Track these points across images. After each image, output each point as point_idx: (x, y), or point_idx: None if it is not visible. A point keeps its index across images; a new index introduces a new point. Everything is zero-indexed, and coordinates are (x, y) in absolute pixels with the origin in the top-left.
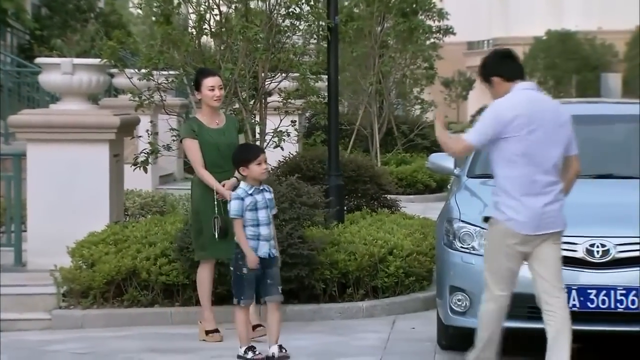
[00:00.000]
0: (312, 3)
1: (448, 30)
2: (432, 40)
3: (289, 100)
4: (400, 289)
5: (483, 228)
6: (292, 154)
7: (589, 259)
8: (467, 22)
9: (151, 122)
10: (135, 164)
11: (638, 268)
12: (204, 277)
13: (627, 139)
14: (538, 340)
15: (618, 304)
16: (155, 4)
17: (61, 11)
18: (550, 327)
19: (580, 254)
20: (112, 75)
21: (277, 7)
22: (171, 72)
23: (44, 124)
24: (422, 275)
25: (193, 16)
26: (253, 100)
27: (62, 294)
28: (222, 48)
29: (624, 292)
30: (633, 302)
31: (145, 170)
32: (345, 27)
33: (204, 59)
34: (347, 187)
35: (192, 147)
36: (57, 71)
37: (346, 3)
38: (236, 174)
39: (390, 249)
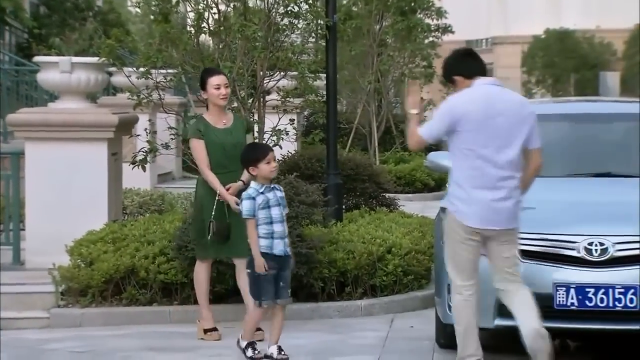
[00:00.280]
0: (310, 2)
1: (447, 29)
2: (430, 38)
3: (288, 99)
4: (399, 287)
5: None
6: (290, 153)
7: (587, 257)
8: (465, 20)
9: (150, 120)
10: (133, 163)
11: (636, 266)
12: (202, 275)
13: (625, 138)
14: None
15: (616, 303)
16: (153, 3)
17: (60, 10)
18: (516, 302)
19: (578, 252)
20: (110, 74)
21: (275, 6)
22: (169, 71)
23: (43, 122)
24: (420, 274)
25: (191, 15)
26: (251, 99)
27: (60, 293)
28: (220, 47)
29: (622, 290)
30: (631, 300)
31: (144, 169)
32: (344, 26)
33: (202, 57)
34: (346, 185)
35: (198, 148)
36: (56, 70)
37: (344, 1)
38: (244, 175)
39: (389, 248)
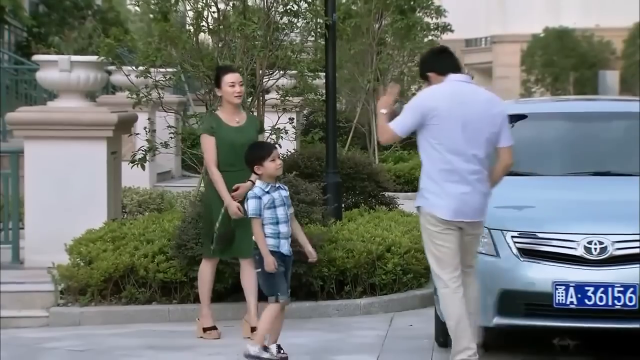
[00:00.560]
0: (309, 0)
1: (446, 28)
2: (430, 37)
3: (287, 98)
4: (398, 286)
5: None
6: (290, 152)
7: (587, 256)
8: (464, 19)
9: (149, 119)
10: (132, 162)
11: (636, 265)
12: (206, 273)
13: (625, 137)
14: (536, 338)
15: (616, 301)
16: (152, 1)
17: (59, 8)
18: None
19: (578, 251)
20: (109, 73)
21: (274, 5)
22: (169, 70)
23: (42, 121)
24: (419, 273)
25: (190, 13)
26: (251, 98)
27: (59, 292)
28: (220, 45)
29: (621, 289)
30: (631, 299)
31: (143, 168)
32: (343, 25)
33: (201, 56)
34: (345, 184)
35: (208, 144)
36: (55, 68)
37: (344, 0)
38: (253, 175)
39: (388, 246)
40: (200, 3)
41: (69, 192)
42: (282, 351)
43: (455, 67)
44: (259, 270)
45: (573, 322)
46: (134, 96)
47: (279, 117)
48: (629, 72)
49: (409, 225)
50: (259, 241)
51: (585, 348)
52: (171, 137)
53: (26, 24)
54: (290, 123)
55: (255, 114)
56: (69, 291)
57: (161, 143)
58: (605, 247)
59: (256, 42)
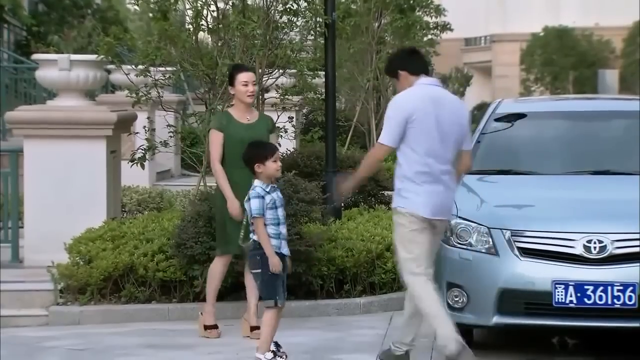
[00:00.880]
0: None
1: (445, 27)
2: (429, 36)
3: (287, 97)
4: (398, 285)
5: (480, 224)
6: (289, 151)
7: (586, 255)
8: (464, 18)
9: (148, 118)
10: (132, 160)
11: (635, 264)
12: (217, 271)
13: (624, 135)
14: (535, 337)
15: (615, 300)
16: (152, 0)
17: (58, 7)
18: (411, 305)
19: (577, 250)
20: (109, 72)
21: (274, 4)
22: (168, 69)
23: (41, 120)
24: None
25: (190, 12)
26: None
27: (59, 291)
28: (219, 44)
29: (621, 288)
30: (630, 298)
31: (143, 167)
32: (343, 24)
33: (201, 55)
34: None
35: (215, 140)
36: (54, 67)
37: None
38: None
39: (388, 245)
40: (200, 2)
41: (68, 191)
42: (280, 349)
43: (426, 69)
44: (260, 271)
45: (572, 321)
46: (134, 95)
47: (278, 116)
48: (628, 71)
49: None
50: (263, 241)
51: (585, 347)
52: (170, 136)
53: (26, 23)
54: (289, 122)
55: None
56: (68, 290)
57: (161, 142)
58: (605, 246)
59: (256, 41)
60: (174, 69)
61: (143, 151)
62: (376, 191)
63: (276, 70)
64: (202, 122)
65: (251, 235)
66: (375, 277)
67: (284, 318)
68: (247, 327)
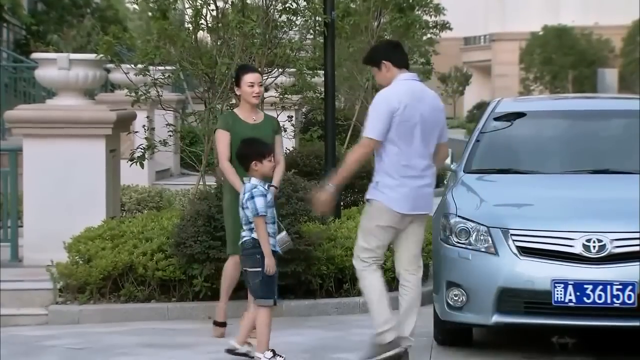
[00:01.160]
0: None
1: (445, 26)
2: (428, 35)
3: (286, 96)
4: (397, 284)
5: (480, 223)
6: (288, 150)
7: (585, 254)
8: (463, 17)
9: (148, 117)
10: (131, 160)
11: (635, 263)
12: (229, 270)
13: (623, 135)
14: (535, 336)
15: (614, 299)
16: None
17: (57, 6)
18: (404, 301)
19: (576, 249)
20: (108, 71)
21: (273, 2)
22: (167, 68)
23: (41, 119)
24: None
25: (189, 11)
26: None
27: (58, 290)
28: (218, 43)
29: (620, 287)
30: (629, 297)
31: (142, 166)
32: (342, 23)
33: (200, 54)
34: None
35: (222, 139)
36: (54, 66)
37: None
38: (276, 179)
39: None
40: (199, 1)
41: (67, 190)
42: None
43: (407, 64)
44: (260, 269)
45: (572, 320)
46: (133, 94)
47: (277, 115)
48: (627, 70)
49: None
50: (264, 241)
51: (584, 346)
52: (170, 135)
53: (25, 22)
54: (289, 121)
55: None
56: (67, 289)
57: (160, 141)
58: (604, 245)
59: (255, 40)
60: (173, 68)
61: (142, 150)
62: None
63: (275, 69)
64: (202, 121)
65: (243, 233)
66: None
67: (283, 317)
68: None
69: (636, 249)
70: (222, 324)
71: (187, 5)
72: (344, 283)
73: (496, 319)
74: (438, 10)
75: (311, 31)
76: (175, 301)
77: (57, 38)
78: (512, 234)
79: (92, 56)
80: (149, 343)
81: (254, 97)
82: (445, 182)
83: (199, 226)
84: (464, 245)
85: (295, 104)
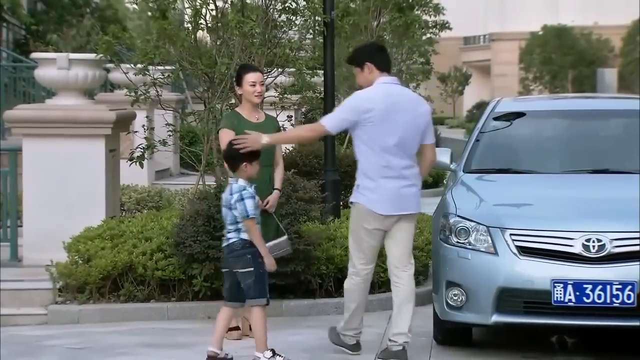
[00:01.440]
0: None
1: (444, 26)
2: (428, 35)
3: (285, 95)
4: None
5: (479, 223)
6: (288, 149)
7: (585, 254)
8: (463, 17)
9: (147, 117)
10: (131, 159)
11: (634, 263)
12: None
13: (623, 134)
14: (534, 336)
15: (614, 299)
16: None
17: (57, 6)
18: (397, 297)
19: (576, 249)
20: (108, 70)
21: (273, 2)
22: (167, 67)
23: (40, 119)
24: (418, 271)
25: (189, 11)
26: None
27: (58, 289)
28: (218, 43)
29: (619, 287)
30: (629, 297)
31: (142, 166)
32: (342, 22)
33: (200, 54)
34: (343, 182)
35: (226, 139)
36: (53, 66)
37: None
38: (277, 183)
39: None
40: (199, 1)
41: (67, 189)
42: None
43: (389, 68)
44: (252, 270)
45: (571, 319)
46: (133, 94)
47: (277, 115)
48: (627, 70)
49: None
50: (258, 242)
51: (584, 346)
52: (169, 135)
53: (25, 22)
54: (288, 121)
55: None
56: (67, 289)
57: (159, 141)
58: (604, 244)
59: (254, 40)
60: (173, 67)
61: (142, 150)
62: None
63: (275, 69)
64: (201, 121)
65: (229, 234)
66: (374, 276)
67: (282, 317)
68: (247, 326)
69: (636, 248)
70: (235, 328)
71: (186, 5)
72: (343, 283)
73: (496, 318)
74: (437, 10)
75: (311, 31)
76: (175, 301)
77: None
78: (511, 234)
79: (91, 56)
80: (148, 343)
81: (256, 96)
82: (445, 181)
83: (199, 226)
84: (463, 245)
85: (294, 104)
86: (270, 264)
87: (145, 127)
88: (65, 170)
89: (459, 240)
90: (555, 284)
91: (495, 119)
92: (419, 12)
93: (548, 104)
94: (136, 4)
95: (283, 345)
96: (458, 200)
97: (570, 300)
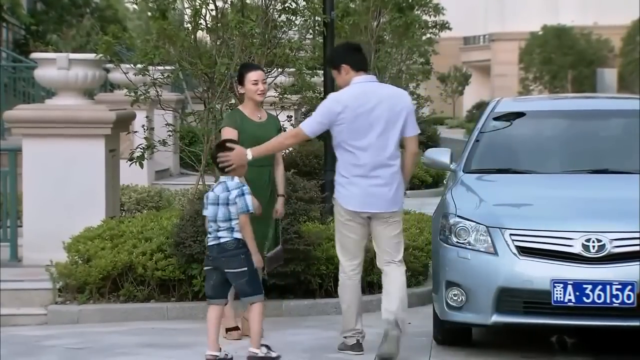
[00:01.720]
0: None
1: (444, 26)
2: (428, 35)
3: (285, 96)
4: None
5: (479, 223)
6: (288, 150)
7: (584, 254)
8: (463, 17)
9: (147, 117)
10: (131, 159)
11: (634, 263)
12: None
13: (623, 134)
14: (534, 336)
15: (614, 299)
16: None
17: (57, 6)
18: (385, 285)
19: (576, 249)
20: (107, 71)
21: (273, 2)
22: (167, 67)
23: (40, 119)
24: (418, 271)
25: (188, 11)
26: None
27: (58, 290)
28: (218, 43)
29: (619, 287)
30: (629, 297)
31: (141, 166)
32: (341, 22)
33: (199, 54)
34: None
35: (230, 137)
36: (53, 66)
37: None
38: (280, 187)
39: None
40: (198, 1)
41: (67, 190)
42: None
43: (366, 67)
44: (246, 269)
45: (571, 320)
46: (132, 94)
47: (277, 115)
48: (627, 70)
49: (406, 223)
50: (250, 238)
51: (584, 346)
52: (169, 135)
53: (24, 22)
54: (288, 121)
55: None
56: (67, 289)
57: (159, 141)
58: (604, 244)
59: (254, 40)
60: (173, 67)
61: (142, 150)
62: None
63: (275, 69)
64: (201, 121)
65: (219, 233)
66: (374, 276)
67: (282, 317)
68: (247, 326)
69: (635, 248)
70: (234, 328)
71: (186, 5)
72: None
73: (495, 318)
74: (437, 10)
75: (311, 31)
76: (175, 301)
77: (57, 38)
78: (511, 234)
79: (91, 56)
80: (148, 343)
81: (258, 94)
82: (445, 181)
83: (199, 226)
84: (463, 245)
85: (294, 104)
86: (257, 261)
87: (145, 127)
88: (65, 170)
89: (458, 240)
90: (555, 284)
91: (495, 119)
92: (418, 12)
93: (548, 104)
94: (136, 4)
95: (283, 345)
96: (458, 201)
97: (570, 301)
